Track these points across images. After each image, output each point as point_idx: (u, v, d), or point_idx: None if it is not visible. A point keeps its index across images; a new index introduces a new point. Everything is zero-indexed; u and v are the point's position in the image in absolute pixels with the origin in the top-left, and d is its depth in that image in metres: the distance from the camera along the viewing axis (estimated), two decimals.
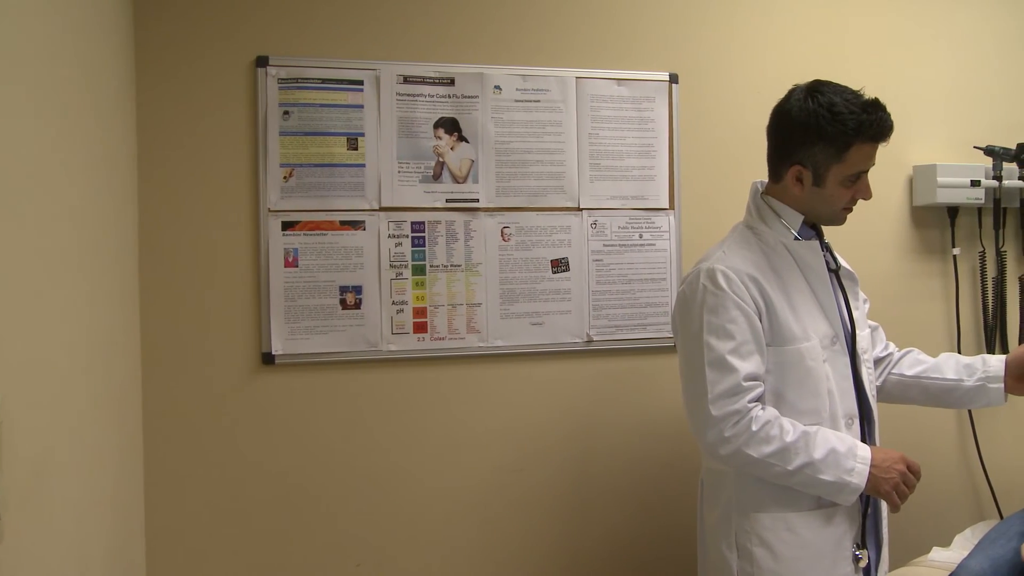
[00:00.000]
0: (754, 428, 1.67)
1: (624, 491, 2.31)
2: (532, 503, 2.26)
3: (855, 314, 1.86)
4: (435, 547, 2.21)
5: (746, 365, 1.70)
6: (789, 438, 1.67)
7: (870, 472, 1.69)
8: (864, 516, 1.80)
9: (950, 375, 2.00)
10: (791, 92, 1.80)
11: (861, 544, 1.79)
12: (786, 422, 1.70)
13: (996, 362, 1.99)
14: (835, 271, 1.87)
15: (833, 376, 1.78)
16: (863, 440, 1.82)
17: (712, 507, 1.85)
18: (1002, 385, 1.96)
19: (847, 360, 1.81)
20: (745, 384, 1.70)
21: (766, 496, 1.75)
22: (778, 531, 1.74)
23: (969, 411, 2.54)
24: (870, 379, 1.88)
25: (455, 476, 2.21)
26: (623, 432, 2.31)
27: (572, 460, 2.28)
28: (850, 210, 1.83)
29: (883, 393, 2.06)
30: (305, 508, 2.13)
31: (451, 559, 2.22)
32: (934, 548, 1.99)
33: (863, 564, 1.79)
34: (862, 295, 2.01)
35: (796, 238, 1.80)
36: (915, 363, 2.05)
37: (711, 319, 1.72)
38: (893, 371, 2.05)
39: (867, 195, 1.81)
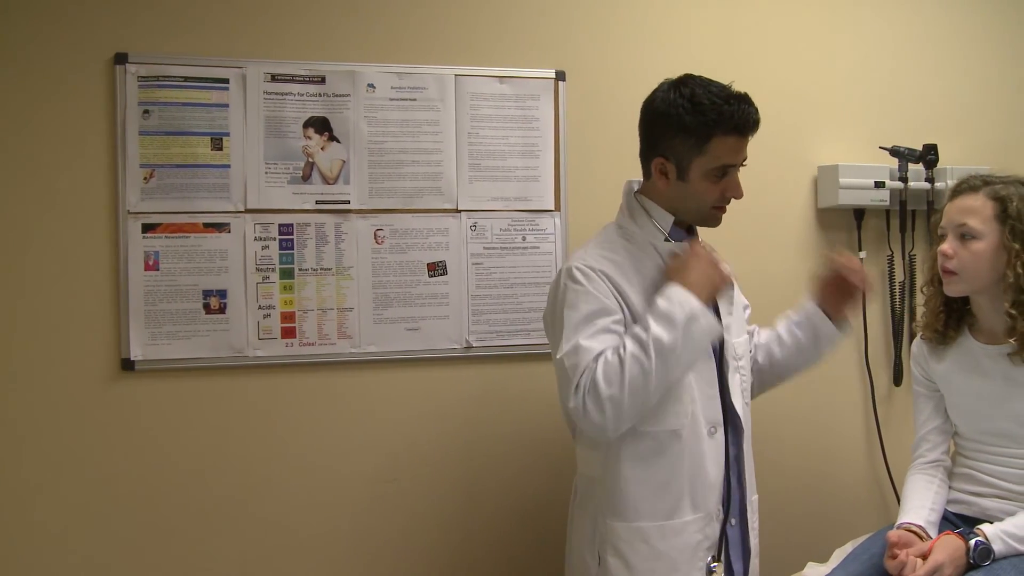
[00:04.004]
0: (600, 372, 1.60)
1: (504, 499, 2.24)
2: (407, 513, 2.19)
3: (726, 320, 1.80)
4: (305, 559, 2.14)
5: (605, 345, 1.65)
6: (625, 350, 1.60)
7: (692, 293, 1.64)
8: (724, 526, 1.75)
9: (786, 337, 1.94)
10: (659, 85, 1.76)
11: (718, 555, 1.73)
12: (615, 342, 1.64)
13: (806, 302, 1.93)
14: None
15: (697, 383, 1.73)
16: (727, 450, 1.76)
17: (581, 513, 1.82)
18: (826, 318, 1.89)
19: (713, 366, 1.77)
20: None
21: (625, 505, 1.71)
22: (632, 542, 1.71)
23: (876, 418, 2.47)
24: (742, 387, 1.83)
25: (326, 486, 2.15)
26: (504, 440, 2.24)
27: (450, 469, 2.21)
28: (723, 209, 1.78)
29: (757, 387, 1.98)
30: (167, 519, 2.06)
31: (323, 572, 2.15)
32: (809, 564, 1.92)
33: None
34: (743, 301, 1.95)
35: (666, 239, 1.75)
36: (759, 348, 1.98)
37: (571, 313, 1.68)
38: (754, 368, 1.98)
39: (737, 193, 1.76)
